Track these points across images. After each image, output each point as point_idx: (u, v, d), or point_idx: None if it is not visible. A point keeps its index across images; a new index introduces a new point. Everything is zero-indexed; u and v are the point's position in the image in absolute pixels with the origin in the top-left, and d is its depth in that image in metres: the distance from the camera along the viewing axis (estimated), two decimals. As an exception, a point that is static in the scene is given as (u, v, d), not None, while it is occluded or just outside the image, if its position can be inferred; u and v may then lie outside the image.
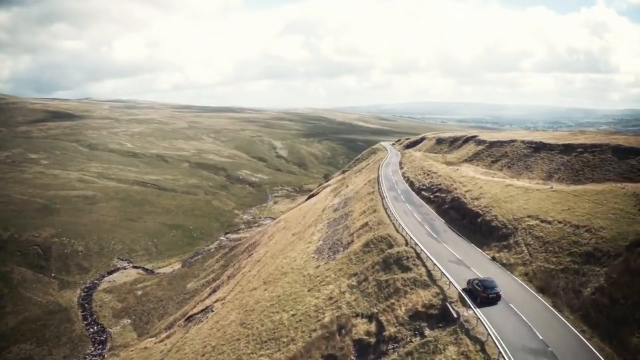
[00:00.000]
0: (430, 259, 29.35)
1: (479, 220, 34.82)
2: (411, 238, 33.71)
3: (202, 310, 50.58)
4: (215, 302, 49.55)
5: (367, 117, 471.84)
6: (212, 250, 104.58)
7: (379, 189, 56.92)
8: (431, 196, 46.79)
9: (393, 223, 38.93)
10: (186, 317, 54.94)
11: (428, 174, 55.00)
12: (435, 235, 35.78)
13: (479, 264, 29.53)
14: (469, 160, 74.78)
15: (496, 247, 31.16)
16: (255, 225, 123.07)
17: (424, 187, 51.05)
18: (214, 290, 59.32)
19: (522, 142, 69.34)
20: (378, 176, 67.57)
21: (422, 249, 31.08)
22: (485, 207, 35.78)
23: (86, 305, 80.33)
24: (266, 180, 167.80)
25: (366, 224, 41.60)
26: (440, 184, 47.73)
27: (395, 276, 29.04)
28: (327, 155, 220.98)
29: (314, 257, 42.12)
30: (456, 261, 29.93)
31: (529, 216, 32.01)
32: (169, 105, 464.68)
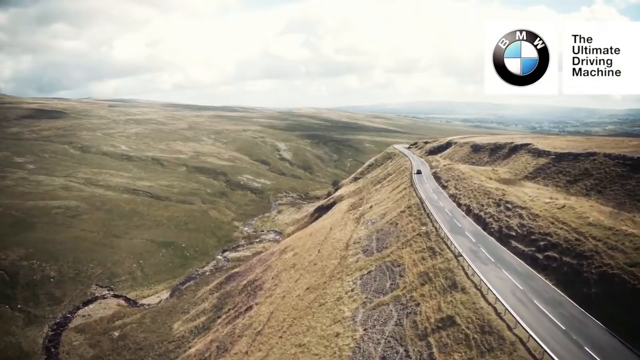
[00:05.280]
0: None
1: None
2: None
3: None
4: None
5: (371, 117, 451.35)
6: (207, 273, 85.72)
7: (434, 226, 37.51)
8: (538, 255, 27.23)
9: (516, 335, 18.93)
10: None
11: (509, 209, 35.22)
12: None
13: None
14: (531, 177, 55.06)
15: None
16: (257, 240, 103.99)
17: (513, 233, 31.35)
18: (198, 366, 40.47)
19: (607, 156, 49.30)
20: (421, 201, 48.02)
21: None
22: None
23: (52, 350, 62.34)
24: (269, 186, 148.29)
25: (451, 319, 22.00)
26: (549, 234, 28.07)
27: None
28: (333, 157, 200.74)
29: (354, 372, 23.05)
30: None
31: None
32: (169, 105, 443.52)
